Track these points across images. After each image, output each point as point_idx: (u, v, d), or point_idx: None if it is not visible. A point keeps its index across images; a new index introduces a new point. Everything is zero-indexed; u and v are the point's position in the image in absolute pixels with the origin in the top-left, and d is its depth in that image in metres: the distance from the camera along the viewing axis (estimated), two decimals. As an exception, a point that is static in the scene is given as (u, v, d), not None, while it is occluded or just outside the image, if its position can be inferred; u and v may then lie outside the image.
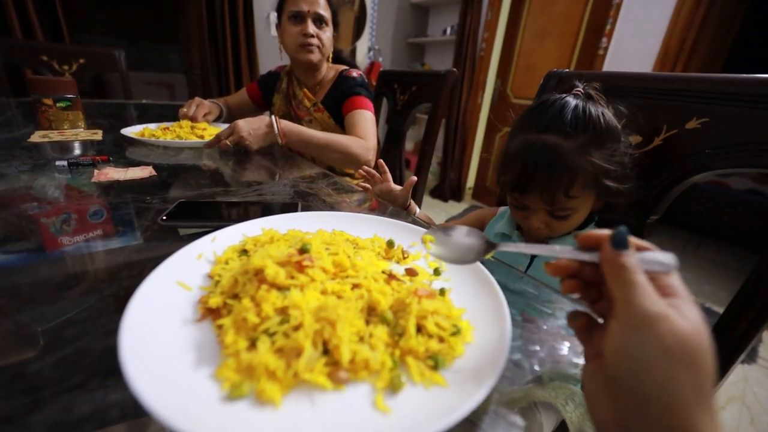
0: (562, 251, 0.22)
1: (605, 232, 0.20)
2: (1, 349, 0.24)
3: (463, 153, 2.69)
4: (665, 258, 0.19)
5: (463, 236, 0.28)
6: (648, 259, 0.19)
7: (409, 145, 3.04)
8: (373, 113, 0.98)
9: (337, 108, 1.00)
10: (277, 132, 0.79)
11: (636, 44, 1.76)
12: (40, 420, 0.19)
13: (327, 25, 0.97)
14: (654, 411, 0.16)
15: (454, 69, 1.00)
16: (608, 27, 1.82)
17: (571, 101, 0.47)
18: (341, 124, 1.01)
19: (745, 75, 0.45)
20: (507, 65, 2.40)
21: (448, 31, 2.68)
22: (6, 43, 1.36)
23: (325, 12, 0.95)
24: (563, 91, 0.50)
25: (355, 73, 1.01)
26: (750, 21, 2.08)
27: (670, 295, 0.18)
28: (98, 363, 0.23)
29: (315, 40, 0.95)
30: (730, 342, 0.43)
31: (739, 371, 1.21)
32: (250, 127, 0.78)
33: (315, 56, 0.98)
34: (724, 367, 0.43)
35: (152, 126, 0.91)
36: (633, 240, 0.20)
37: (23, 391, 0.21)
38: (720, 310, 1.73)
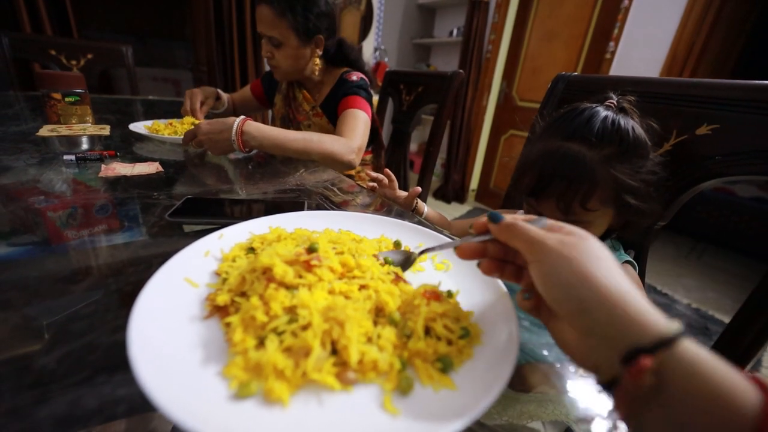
0: (464, 240, 0.27)
1: (484, 218, 0.26)
2: (8, 342, 0.24)
3: (467, 155, 2.69)
4: (540, 220, 0.25)
5: (391, 255, 0.32)
6: (528, 221, 0.24)
7: (412, 146, 3.03)
8: (368, 114, 0.91)
9: (335, 112, 0.95)
10: (234, 138, 0.68)
11: (644, 48, 1.75)
12: (47, 414, 0.19)
13: (280, 45, 0.87)
14: (591, 304, 0.19)
15: (461, 70, 1.00)
16: (616, 31, 1.81)
17: (602, 111, 0.45)
18: None
19: (758, 81, 0.45)
20: (513, 68, 2.39)
21: (455, 32, 2.67)
22: (15, 37, 1.37)
23: (274, 33, 0.85)
24: (596, 101, 0.48)
25: (354, 76, 0.95)
26: (760, 26, 2.06)
27: (557, 230, 0.23)
28: (105, 358, 0.23)
29: (273, 61, 0.91)
30: (737, 352, 0.43)
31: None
32: (211, 130, 0.69)
33: (278, 75, 0.95)
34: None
35: (162, 121, 0.92)
36: (512, 215, 0.25)
37: (30, 384, 0.21)
38: (724, 318, 1.71)
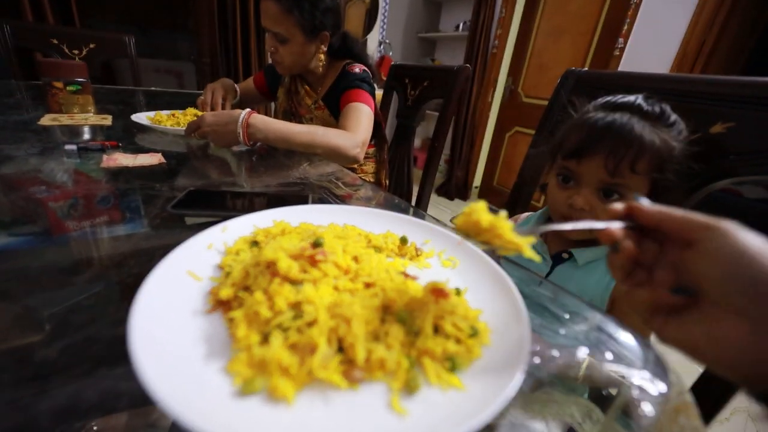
0: (596, 224, 0.23)
1: (620, 205, 0.23)
2: (8, 333, 0.24)
3: (471, 151, 2.67)
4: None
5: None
6: None
7: (416, 142, 3.02)
8: (371, 107, 0.89)
9: (337, 104, 0.94)
10: (239, 131, 0.68)
11: (653, 45, 1.72)
12: (47, 407, 0.19)
13: (286, 41, 0.86)
14: (763, 273, 0.17)
15: (467, 65, 0.98)
16: (625, 27, 1.78)
17: (641, 97, 0.47)
18: None
19: (777, 78, 0.44)
20: (519, 64, 2.36)
21: (461, 26, 2.64)
22: (16, 25, 1.36)
23: (280, 29, 0.84)
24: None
25: (357, 68, 0.93)
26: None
27: None
28: (106, 351, 0.23)
29: (276, 56, 0.89)
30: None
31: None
32: (216, 122, 0.69)
33: (281, 70, 0.93)
34: (732, 387, 0.42)
35: (164, 112, 0.91)
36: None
37: (30, 377, 0.21)
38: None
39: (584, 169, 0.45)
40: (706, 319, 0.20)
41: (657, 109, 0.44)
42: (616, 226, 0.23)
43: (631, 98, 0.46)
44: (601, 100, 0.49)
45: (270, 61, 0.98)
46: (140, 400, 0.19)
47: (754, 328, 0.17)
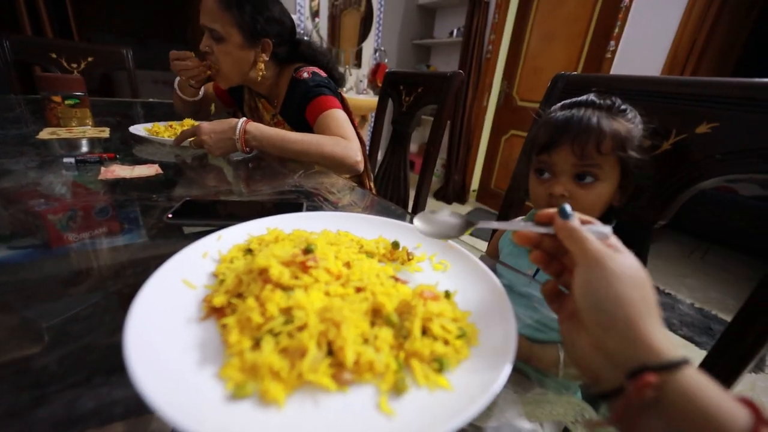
0: (525, 226, 0.27)
1: (553, 210, 0.26)
2: (6, 344, 0.24)
3: (468, 155, 2.68)
4: (603, 228, 0.25)
5: (446, 217, 0.33)
6: (590, 229, 0.25)
7: (413, 147, 3.03)
8: (342, 110, 0.84)
9: (296, 117, 0.88)
10: (237, 138, 0.69)
11: (644, 47, 1.75)
12: (45, 415, 0.19)
13: (221, 39, 0.79)
14: (617, 323, 0.21)
15: (461, 71, 1.00)
16: (616, 30, 1.80)
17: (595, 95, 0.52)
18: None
19: (757, 79, 0.45)
20: (513, 68, 2.39)
21: (455, 33, 2.67)
22: (16, 40, 1.38)
23: (216, 25, 0.77)
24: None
25: (305, 73, 0.86)
26: (762, 24, 2.05)
27: (612, 247, 0.24)
28: (102, 360, 0.23)
29: (212, 58, 0.82)
30: (739, 351, 0.42)
31: (746, 380, 1.20)
32: (213, 130, 0.69)
33: (219, 80, 0.86)
34: (732, 375, 0.43)
35: (162, 124, 0.92)
36: (577, 214, 0.26)
37: (28, 386, 0.21)
38: (727, 318, 1.71)
39: (556, 159, 0.49)
40: (574, 326, 0.24)
41: (608, 101, 0.49)
42: (541, 230, 0.27)
43: (583, 97, 0.51)
44: (560, 103, 0.54)
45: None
46: (135, 407, 0.20)
47: (594, 344, 0.22)
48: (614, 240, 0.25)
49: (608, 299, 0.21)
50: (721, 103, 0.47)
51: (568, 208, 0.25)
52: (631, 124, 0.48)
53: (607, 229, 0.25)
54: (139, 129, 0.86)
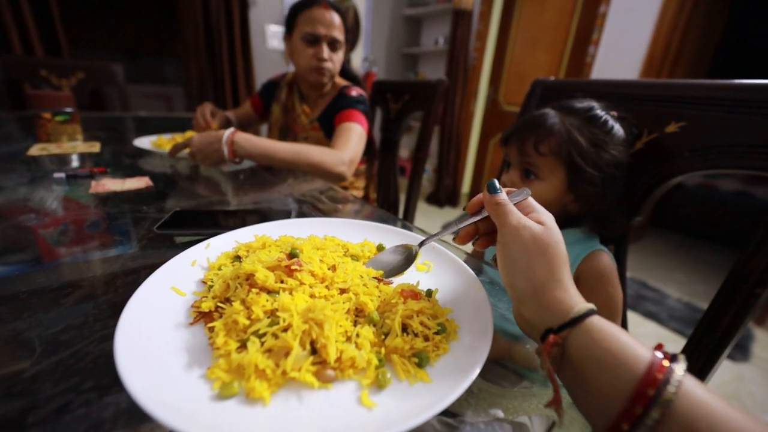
0: (462, 221, 0.30)
1: (480, 195, 0.29)
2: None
3: (458, 159, 2.72)
4: (523, 191, 0.29)
5: (390, 255, 0.35)
6: (513, 195, 0.28)
7: (405, 153, 3.07)
8: (364, 128, 0.93)
9: (330, 125, 0.97)
10: (224, 149, 0.71)
11: (622, 52, 1.81)
12: (37, 422, 0.20)
13: (341, 47, 0.95)
14: (527, 294, 0.24)
15: (444, 78, 1.03)
16: (595, 35, 1.87)
17: (587, 99, 0.53)
18: None
19: (718, 81, 0.47)
20: (498, 74, 2.45)
21: (440, 41, 2.73)
22: (6, 58, 1.39)
23: (340, 35, 0.92)
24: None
25: (354, 92, 0.97)
26: (733, 26, 2.14)
27: (530, 212, 0.27)
28: (94, 367, 0.24)
29: (329, 64, 0.93)
30: (716, 336, 0.44)
31: (733, 370, 1.21)
32: (202, 141, 0.72)
33: (326, 79, 0.96)
34: (710, 361, 0.44)
35: (166, 136, 0.95)
36: (504, 189, 0.28)
37: (20, 392, 0.22)
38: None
39: (509, 153, 0.53)
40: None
41: (585, 107, 0.51)
42: (474, 218, 0.29)
43: (566, 101, 0.53)
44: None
45: (258, 83, 1.01)
46: (127, 411, 0.21)
47: (518, 314, 0.25)
48: (531, 201, 0.28)
49: (518, 273, 0.24)
50: (686, 104, 0.50)
51: (495, 182, 0.28)
52: (599, 136, 0.48)
53: (527, 191, 0.28)
54: (144, 142, 0.89)
